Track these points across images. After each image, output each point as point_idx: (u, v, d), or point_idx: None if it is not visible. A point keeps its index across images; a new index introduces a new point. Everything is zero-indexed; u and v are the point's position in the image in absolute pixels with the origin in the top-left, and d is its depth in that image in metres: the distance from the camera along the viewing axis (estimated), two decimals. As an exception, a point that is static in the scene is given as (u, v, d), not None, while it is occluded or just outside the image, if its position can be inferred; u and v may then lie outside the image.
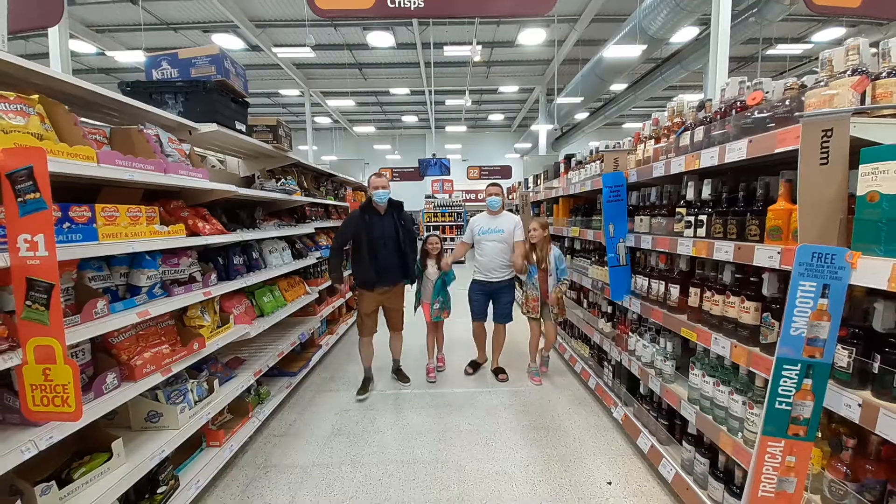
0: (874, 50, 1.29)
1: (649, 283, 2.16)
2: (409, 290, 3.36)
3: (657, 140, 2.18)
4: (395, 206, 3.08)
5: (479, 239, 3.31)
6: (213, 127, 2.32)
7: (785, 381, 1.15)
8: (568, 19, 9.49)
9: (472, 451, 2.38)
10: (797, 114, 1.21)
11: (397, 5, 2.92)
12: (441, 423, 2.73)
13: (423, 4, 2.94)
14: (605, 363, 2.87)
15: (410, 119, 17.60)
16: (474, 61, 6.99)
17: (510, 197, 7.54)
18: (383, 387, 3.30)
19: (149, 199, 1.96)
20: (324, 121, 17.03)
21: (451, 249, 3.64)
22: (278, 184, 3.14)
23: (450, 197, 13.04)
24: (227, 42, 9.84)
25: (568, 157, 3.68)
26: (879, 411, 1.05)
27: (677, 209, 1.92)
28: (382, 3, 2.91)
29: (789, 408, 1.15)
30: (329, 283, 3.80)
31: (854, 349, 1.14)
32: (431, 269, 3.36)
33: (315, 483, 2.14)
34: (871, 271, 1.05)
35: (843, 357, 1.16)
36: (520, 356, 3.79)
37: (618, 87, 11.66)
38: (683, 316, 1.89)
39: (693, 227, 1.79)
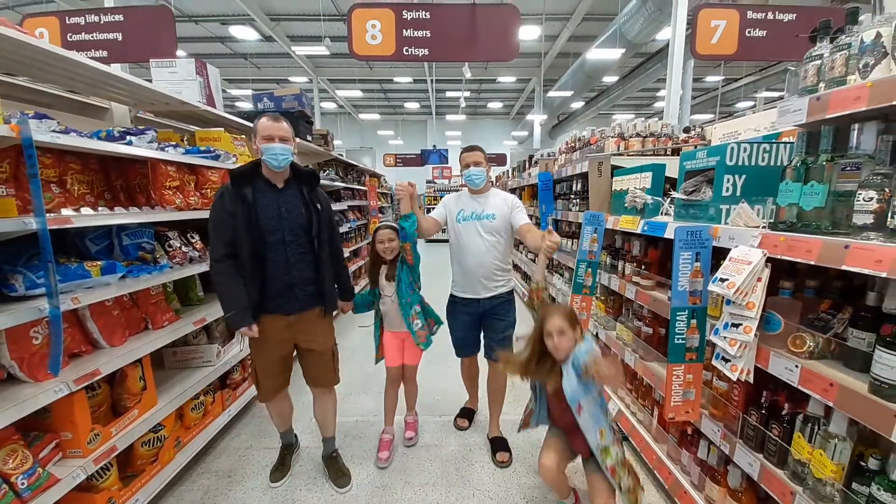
0: (634, 121, 2.93)
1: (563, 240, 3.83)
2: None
3: (568, 153, 3.82)
4: (303, 176, 1.95)
5: (457, 228, 2.35)
6: (297, 140, 3.97)
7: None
8: (560, 17, 10.92)
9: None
10: (586, 154, 2.86)
11: (410, 54, 4.53)
12: None
13: (427, 53, 4.54)
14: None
15: (412, 105, 19.08)
16: (466, 77, 8.51)
17: (496, 185, 9.12)
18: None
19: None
20: (329, 106, 18.48)
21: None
22: (325, 174, 4.79)
23: (449, 182, 14.71)
24: (242, 33, 11.27)
25: (530, 157, 5.32)
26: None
27: (571, 195, 3.58)
28: (399, 51, 4.52)
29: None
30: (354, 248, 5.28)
31: (609, 256, 2.80)
32: (387, 284, 2.27)
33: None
34: (609, 221, 2.70)
35: (605, 261, 2.82)
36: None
37: (610, 79, 13.13)
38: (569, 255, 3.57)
39: (575, 205, 3.45)
